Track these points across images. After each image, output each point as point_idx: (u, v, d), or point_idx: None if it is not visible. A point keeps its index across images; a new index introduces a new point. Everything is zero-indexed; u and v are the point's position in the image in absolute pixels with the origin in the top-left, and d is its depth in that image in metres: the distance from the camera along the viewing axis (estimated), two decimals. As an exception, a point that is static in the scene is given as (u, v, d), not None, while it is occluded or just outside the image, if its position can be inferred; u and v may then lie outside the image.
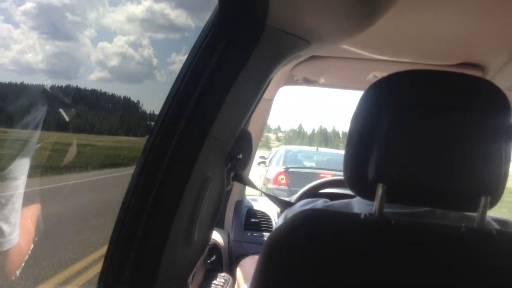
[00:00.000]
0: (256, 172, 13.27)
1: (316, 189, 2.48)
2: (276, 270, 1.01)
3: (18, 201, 1.30)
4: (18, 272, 1.34)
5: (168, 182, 1.15)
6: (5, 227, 1.25)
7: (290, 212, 1.26)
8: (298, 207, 1.25)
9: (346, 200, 1.18)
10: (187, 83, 1.15)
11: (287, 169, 9.49)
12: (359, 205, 1.14)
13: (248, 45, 1.14)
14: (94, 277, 0.99)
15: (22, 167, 1.32)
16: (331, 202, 1.21)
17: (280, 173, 9.51)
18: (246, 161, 1.25)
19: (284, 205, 1.58)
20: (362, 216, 0.98)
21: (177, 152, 1.14)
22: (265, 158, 12.70)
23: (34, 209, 1.43)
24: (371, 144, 0.99)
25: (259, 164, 12.80)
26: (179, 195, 1.14)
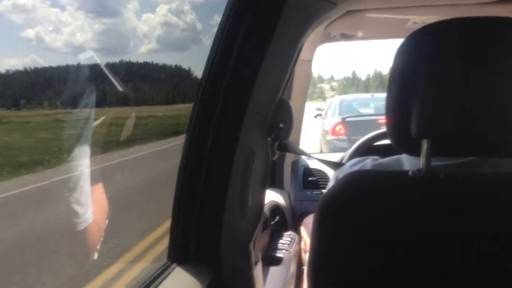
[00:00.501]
0: (313, 126, 13.23)
1: (370, 143, 2.49)
2: (328, 232, 1.02)
3: (85, 181, 1.34)
4: (98, 247, 1.41)
5: (215, 157, 1.20)
6: (78, 209, 1.31)
7: (341, 173, 1.26)
8: (347, 168, 1.23)
9: (395, 157, 1.15)
10: (219, 60, 1.17)
11: (343, 119, 9.47)
12: (408, 161, 1.10)
13: (274, 13, 1.14)
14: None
15: (85, 148, 1.35)
16: (380, 160, 1.18)
17: (337, 124, 9.53)
18: (287, 130, 1.26)
19: (334, 166, 1.59)
20: (410, 173, 0.95)
21: (219, 128, 1.19)
22: (322, 110, 12.62)
23: (103, 186, 1.47)
24: (411, 98, 0.94)
25: (315, 116, 12.77)
26: (227, 169, 1.19)
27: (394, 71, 0.99)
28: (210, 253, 1.25)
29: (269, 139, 1.27)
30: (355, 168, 1.20)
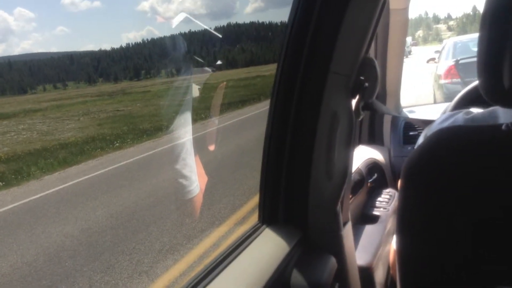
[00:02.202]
0: (427, 71, 12.60)
1: (472, 94, 2.22)
2: (415, 191, 1.01)
3: (188, 156, 1.44)
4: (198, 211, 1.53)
5: (299, 121, 1.20)
6: (184, 181, 1.41)
7: (429, 130, 1.22)
8: (436, 125, 1.19)
9: (490, 109, 1.07)
10: (300, 20, 1.14)
11: (457, 61, 8.97)
12: (505, 113, 1.03)
13: None
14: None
15: (185, 121, 1.43)
16: (473, 114, 1.11)
17: (450, 67, 9.03)
18: (373, 89, 1.22)
19: (424, 123, 1.51)
20: (503, 127, 0.90)
21: (302, 91, 1.18)
22: (434, 59, 12.06)
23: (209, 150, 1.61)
24: (503, 48, 0.87)
25: (427, 61, 12.23)
26: (312, 133, 1.19)
27: (487, 10, 0.89)
28: (298, 214, 1.28)
29: (353, 100, 1.24)
30: (445, 124, 1.14)
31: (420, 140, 1.30)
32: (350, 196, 1.92)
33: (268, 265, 1.10)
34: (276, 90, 1.20)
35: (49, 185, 7.89)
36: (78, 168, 9.27)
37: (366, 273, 1.74)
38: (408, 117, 2.75)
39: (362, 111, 1.26)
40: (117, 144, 11.80)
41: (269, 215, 1.30)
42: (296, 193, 1.27)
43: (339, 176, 1.26)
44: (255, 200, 5.48)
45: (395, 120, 2.74)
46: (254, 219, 1.32)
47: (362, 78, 1.20)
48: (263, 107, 16.05)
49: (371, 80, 1.21)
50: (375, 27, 1.21)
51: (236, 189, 6.08)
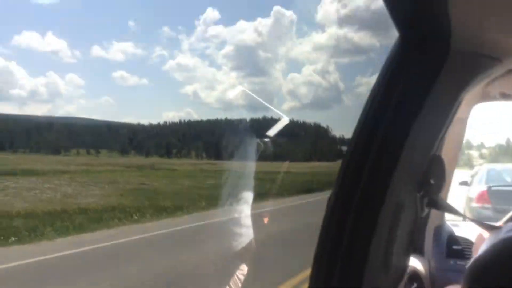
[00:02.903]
0: (458, 193, 12.53)
1: None
2: None
3: (247, 217, 1.54)
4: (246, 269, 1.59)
5: (363, 209, 1.19)
6: (241, 238, 1.55)
7: (496, 237, 1.16)
8: (504, 232, 1.14)
9: None
10: (374, 112, 1.17)
11: (490, 187, 9.21)
12: None
13: (432, 71, 1.12)
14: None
15: (224, 196, 1.54)
16: None
17: (483, 192, 9.24)
18: (439, 186, 1.22)
19: (490, 228, 1.42)
20: None
21: (369, 179, 1.18)
22: (466, 183, 12.32)
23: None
24: None
25: (460, 183, 12.34)
26: (374, 222, 1.17)
27: None
28: None
29: (418, 195, 1.23)
30: None
31: (484, 246, 1.23)
32: None
33: None
34: (342, 176, 1.21)
35: (59, 248, 7.75)
36: (92, 235, 9.14)
37: None
38: (452, 231, 2.71)
39: (426, 207, 1.25)
40: (136, 217, 11.70)
41: None
42: (351, 281, 1.22)
43: (397, 271, 1.25)
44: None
45: (438, 231, 2.69)
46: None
47: (429, 174, 1.21)
48: (285, 202, 15.89)
49: (438, 178, 1.22)
50: (446, 128, 1.23)
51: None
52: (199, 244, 8.24)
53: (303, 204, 16.32)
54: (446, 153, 2.35)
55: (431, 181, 1.20)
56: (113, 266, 6.48)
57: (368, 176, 1.17)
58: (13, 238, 8.32)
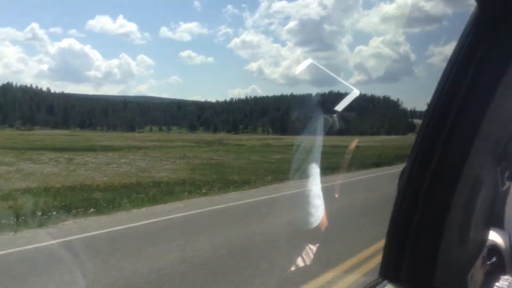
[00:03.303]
0: None
1: None
2: None
3: (317, 191, 1.60)
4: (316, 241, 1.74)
5: (438, 182, 1.16)
6: (312, 211, 1.60)
7: None
8: None
9: None
10: (451, 84, 1.14)
11: None
12: None
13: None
14: (376, 267, 1.41)
15: (312, 166, 1.57)
16: None
17: None
18: None
19: None
20: None
21: (445, 153, 1.15)
22: None
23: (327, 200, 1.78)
24: None
25: None
26: (450, 195, 1.14)
27: None
28: (424, 276, 1.24)
29: (498, 168, 1.21)
30: None
31: None
32: None
33: None
34: (418, 145, 1.20)
35: (134, 219, 8.25)
36: (164, 207, 9.60)
37: None
38: None
39: (507, 181, 1.22)
40: (204, 190, 12.10)
41: (392, 271, 1.29)
42: (425, 253, 1.23)
43: (474, 245, 1.22)
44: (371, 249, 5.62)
45: None
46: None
47: (510, 146, 1.18)
48: (353, 176, 15.65)
49: None
50: None
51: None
52: (268, 216, 8.40)
53: (370, 178, 16.01)
54: None
55: None
56: (182, 235, 6.80)
57: (443, 149, 1.14)
58: (92, 209, 8.91)
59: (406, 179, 1.22)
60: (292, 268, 4.68)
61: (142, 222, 7.84)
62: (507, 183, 1.25)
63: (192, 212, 8.90)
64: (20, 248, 5.89)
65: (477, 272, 1.38)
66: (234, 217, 8.66)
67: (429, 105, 1.19)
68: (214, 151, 32.17)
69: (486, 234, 1.35)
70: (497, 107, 1.11)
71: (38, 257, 5.61)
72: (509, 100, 1.14)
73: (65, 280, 4.55)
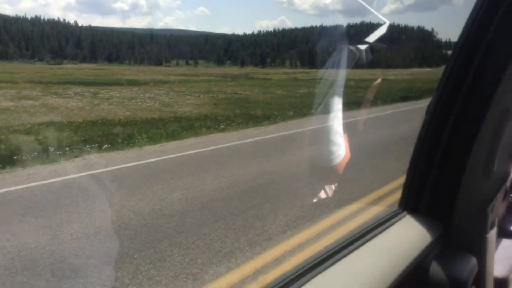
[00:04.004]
0: None
1: None
2: None
3: (339, 127, 1.56)
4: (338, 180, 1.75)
5: (465, 113, 1.15)
6: (333, 148, 1.55)
7: None
8: None
9: None
10: (484, 13, 1.10)
11: None
12: None
13: None
14: (396, 201, 1.45)
15: (335, 101, 1.51)
16: None
17: None
18: None
19: None
20: None
21: (475, 83, 1.12)
22: None
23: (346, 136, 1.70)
24: None
25: None
26: (477, 127, 1.13)
27: None
28: (444, 208, 1.27)
29: None
30: None
31: None
32: None
33: (407, 252, 1.10)
34: (448, 74, 1.17)
35: (145, 156, 8.12)
36: (179, 143, 9.46)
37: (502, 285, 1.65)
38: None
39: None
40: (223, 126, 11.91)
41: (412, 203, 1.30)
42: (446, 185, 1.25)
43: (497, 178, 1.21)
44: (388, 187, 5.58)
45: None
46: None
47: None
48: (378, 111, 15.15)
49: None
50: None
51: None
52: (283, 154, 8.18)
53: (396, 113, 15.45)
54: None
55: None
56: (189, 174, 6.61)
57: (473, 81, 1.12)
58: (106, 145, 8.83)
59: (432, 111, 1.20)
60: (299, 208, 4.63)
61: (152, 159, 7.71)
62: None
63: (205, 149, 8.72)
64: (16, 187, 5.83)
65: (498, 205, 1.37)
66: (246, 155, 8.41)
67: (461, 34, 1.14)
68: (240, 86, 31.74)
69: (510, 167, 1.28)
70: None
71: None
72: None
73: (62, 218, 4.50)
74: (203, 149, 8.75)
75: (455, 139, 1.19)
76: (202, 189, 5.68)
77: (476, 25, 1.12)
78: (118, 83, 32.12)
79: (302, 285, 0.93)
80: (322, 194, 4.88)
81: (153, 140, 9.54)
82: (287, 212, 4.66)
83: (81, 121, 12.29)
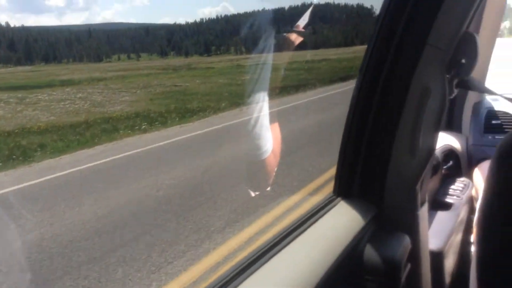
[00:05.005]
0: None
1: None
2: (506, 176, 1.00)
3: (265, 119, 1.47)
4: (271, 177, 1.56)
5: (387, 95, 1.19)
6: (259, 142, 1.47)
7: None
8: None
9: None
10: None
11: None
12: None
13: None
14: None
15: (263, 89, 1.47)
16: None
17: None
18: (470, 66, 1.18)
19: None
20: None
21: (394, 64, 1.16)
22: None
23: (277, 125, 1.58)
24: None
25: None
26: (399, 108, 1.18)
27: None
28: (375, 189, 1.30)
29: (448, 76, 1.20)
30: None
31: None
32: None
33: (341, 237, 1.11)
34: (368, 58, 1.19)
35: (31, 175, 7.02)
36: (85, 153, 8.41)
37: (437, 258, 1.67)
38: (492, 105, 2.66)
39: (455, 89, 1.23)
40: (144, 126, 11.02)
41: (345, 188, 1.32)
42: (375, 168, 1.28)
43: (422, 155, 1.25)
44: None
45: (476, 107, 2.67)
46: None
47: (460, 54, 1.16)
48: (318, 93, 14.83)
49: (470, 57, 1.17)
50: (480, 1, 1.16)
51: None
52: (212, 150, 7.56)
53: (333, 95, 15.15)
54: (484, 25, 2.35)
55: (462, 60, 1.16)
56: (89, 193, 5.82)
57: (394, 57, 1.15)
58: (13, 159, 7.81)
59: (356, 95, 1.22)
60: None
61: (35, 180, 6.70)
62: (456, 91, 1.23)
63: (108, 159, 7.80)
64: None
65: (427, 180, 1.36)
66: (150, 163, 7.51)
67: (379, 15, 1.16)
68: (181, 77, 30.72)
69: (435, 142, 1.26)
70: (445, 13, 1.09)
71: None
72: (458, 5, 1.12)
73: None
74: (106, 159, 7.77)
75: (380, 120, 1.20)
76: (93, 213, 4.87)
77: (392, 4, 1.12)
78: (50, 85, 30.18)
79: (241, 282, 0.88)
80: (250, 195, 4.41)
81: (58, 151, 8.52)
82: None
83: (-5, 131, 11.12)
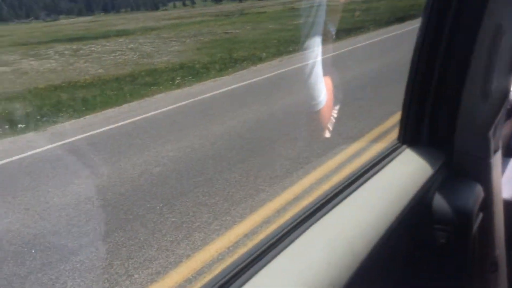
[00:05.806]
0: None
1: None
2: None
3: (318, 68, 1.39)
4: (330, 127, 1.49)
5: (456, 34, 1.10)
6: (314, 92, 1.42)
7: None
8: None
9: None
10: None
11: None
12: None
13: None
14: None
15: (316, 37, 1.39)
16: None
17: None
18: None
19: None
20: None
21: (463, 3, 1.08)
22: None
23: (333, 74, 1.52)
24: None
25: None
26: (470, 47, 1.09)
27: None
28: (444, 136, 1.24)
29: None
30: None
31: None
32: None
33: (408, 186, 1.07)
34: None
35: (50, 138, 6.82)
36: (110, 113, 8.03)
37: (511, 207, 1.55)
38: None
39: None
40: (178, 81, 10.62)
41: (411, 135, 1.26)
42: (444, 112, 1.21)
43: (496, 98, 1.17)
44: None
45: None
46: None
47: None
48: (378, 35, 13.78)
49: None
50: None
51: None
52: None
53: (391, 37, 13.98)
54: None
55: None
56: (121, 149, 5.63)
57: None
58: (20, 126, 7.58)
59: (421, 35, 1.14)
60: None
61: (78, 136, 6.63)
62: None
63: (125, 122, 7.37)
64: None
65: (501, 126, 1.28)
66: (161, 129, 6.90)
67: None
68: (232, 24, 29.94)
69: (509, 85, 1.19)
70: None
71: None
72: None
73: None
74: (121, 123, 7.33)
75: (449, 63, 1.14)
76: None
77: None
78: (105, 36, 30.53)
79: (301, 234, 0.84)
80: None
81: (90, 108, 8.31)
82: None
83: (43, 86, 11.26)
